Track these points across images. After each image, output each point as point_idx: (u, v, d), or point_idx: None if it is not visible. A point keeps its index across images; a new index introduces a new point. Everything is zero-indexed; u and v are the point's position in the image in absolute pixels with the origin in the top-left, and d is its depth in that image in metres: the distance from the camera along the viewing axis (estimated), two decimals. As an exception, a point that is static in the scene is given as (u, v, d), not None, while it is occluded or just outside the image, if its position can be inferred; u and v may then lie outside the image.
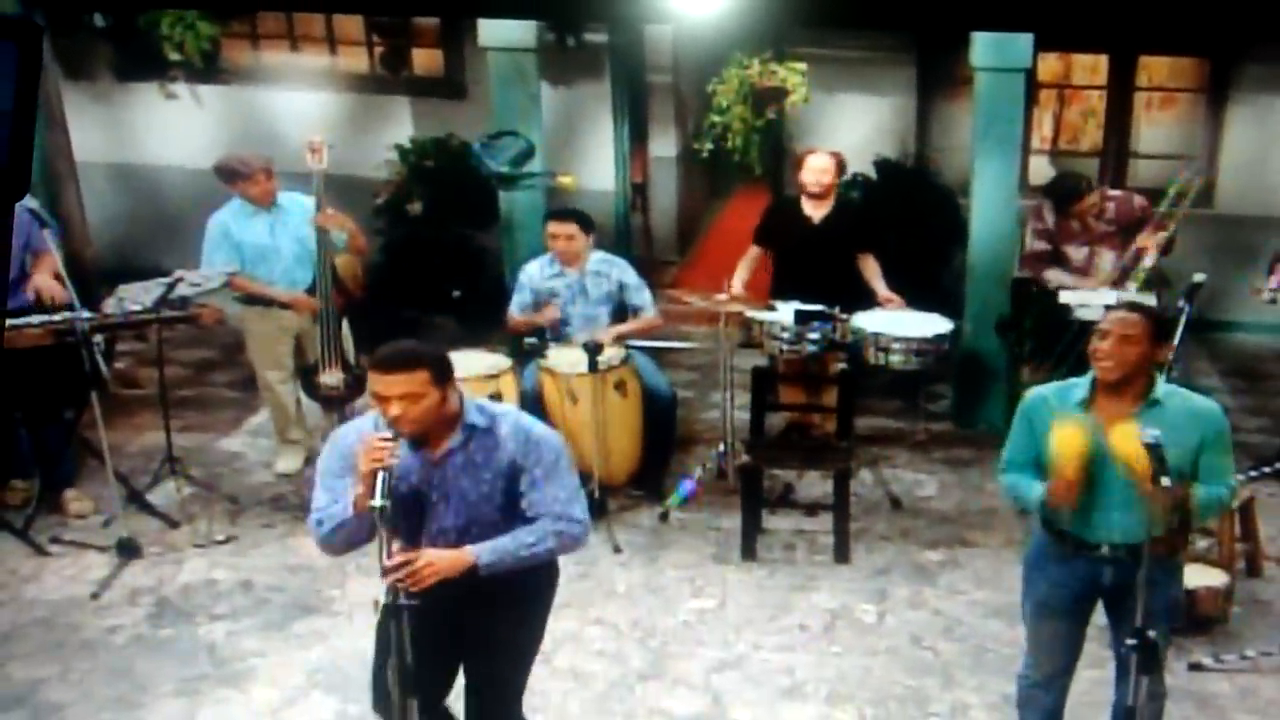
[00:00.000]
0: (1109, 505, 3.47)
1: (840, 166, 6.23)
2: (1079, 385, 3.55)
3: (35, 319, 5.18)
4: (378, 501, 3.03)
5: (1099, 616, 3.75)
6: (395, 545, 3.15)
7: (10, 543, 5.38)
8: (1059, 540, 3.60)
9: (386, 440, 3.09)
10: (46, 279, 5.32)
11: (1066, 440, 3.41)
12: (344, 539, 3.26)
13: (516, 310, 6.01)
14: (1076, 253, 6.27)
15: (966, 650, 4.74)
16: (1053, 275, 6.20)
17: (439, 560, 3.19)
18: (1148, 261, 6.06)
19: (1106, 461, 3.41)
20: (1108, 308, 5.31)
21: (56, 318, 5.17)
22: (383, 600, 3.11)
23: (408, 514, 3.26)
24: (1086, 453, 3.40)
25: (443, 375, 3.21)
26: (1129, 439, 3.29)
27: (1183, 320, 5.13)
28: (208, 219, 5.84)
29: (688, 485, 5.85)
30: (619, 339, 5.87)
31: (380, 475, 3.05)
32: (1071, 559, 3.58)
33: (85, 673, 4.58)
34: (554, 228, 5.91)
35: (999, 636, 4.77)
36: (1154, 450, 3.20)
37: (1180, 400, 3.51)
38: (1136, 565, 3.24)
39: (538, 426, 3.39)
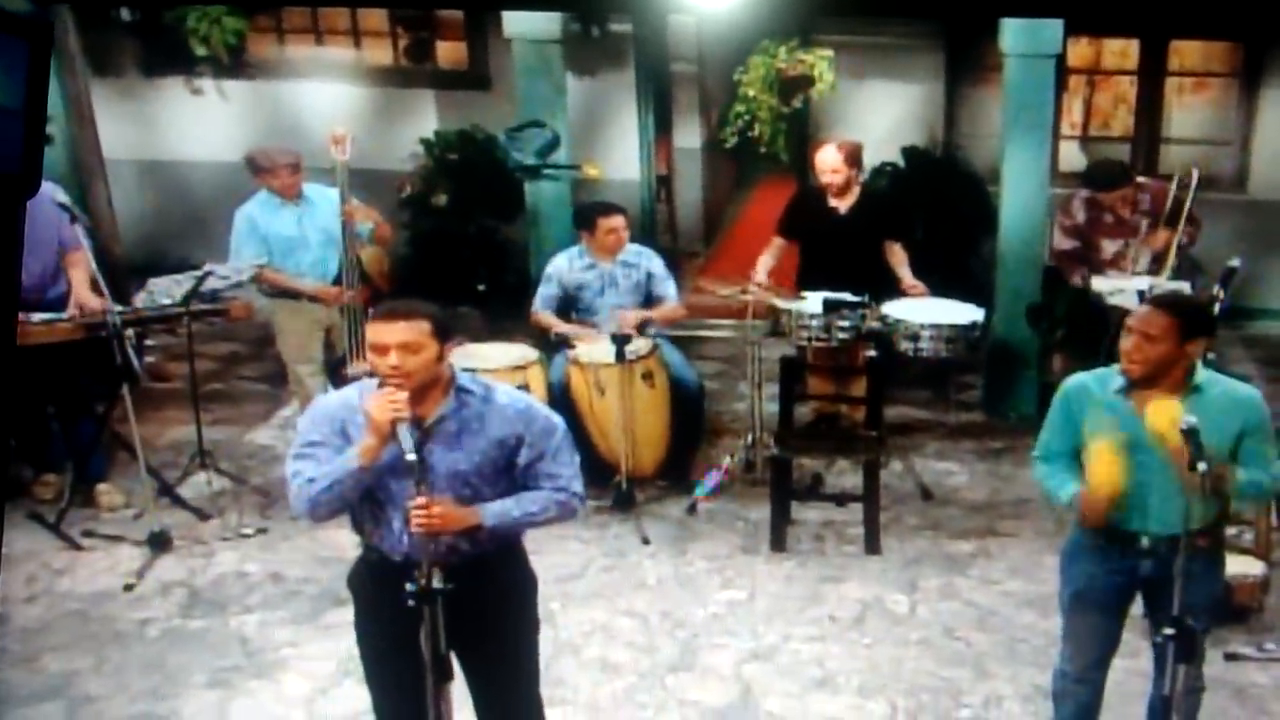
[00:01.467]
0: (1147, 496, 3.42)
1: (853, 155, 6.11)
2: (1118, 373, 3.49)
3: (67, 315, 5.24)
4: (411, 455, 3.01)
5: (1135, 607, 3.71)
6: (413, 500, 3.08)
7: (43, 536, 5.41)
8: (1096, 532, 3.54)
9: (395, 394, 3.06)
10: (86, 292, 5.31)
11: (1104, 466, 3.37)
12: (334, 500, 3.17)
13: (541, 305, 5.97)
14: (1110, 246, 6.18)
15: (999, 641, 4.71)
16: (1081, 277, 6.07)
17: (451, 510, 3.13)
18: (1175, 251, 5.98)
19: (1145, 451, 3.36)
20: (1140, 294, 5.32)
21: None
22: (411, 587, 3.04)
23: (386, 484, 3.18)
24: (1122, 483, 3.37)
25: (444, 331, 3.17)
26: (1165, 416, 3.23)
27: (1217, 307, 5.07)
28: (235, 213, 5.87)
29: (714, 477, 5.83)
30: (642, 322, 5.84)
31: (400, 428, 3.04)
32: (1109, 551, 3.54)
33: (118, 664, 4.61)
34: (608, 222, 5.84)
35: (1032, 627, 4.74)
36: (1191, 436, 3.16)
37: (1221, 388, 3.47)
38: (1176, 557, 3.20)
39: (536, 400, 3.38)
